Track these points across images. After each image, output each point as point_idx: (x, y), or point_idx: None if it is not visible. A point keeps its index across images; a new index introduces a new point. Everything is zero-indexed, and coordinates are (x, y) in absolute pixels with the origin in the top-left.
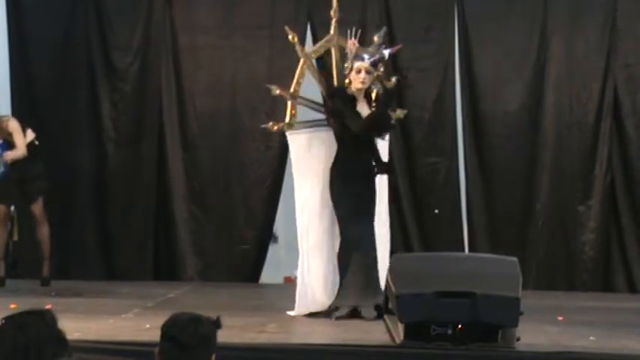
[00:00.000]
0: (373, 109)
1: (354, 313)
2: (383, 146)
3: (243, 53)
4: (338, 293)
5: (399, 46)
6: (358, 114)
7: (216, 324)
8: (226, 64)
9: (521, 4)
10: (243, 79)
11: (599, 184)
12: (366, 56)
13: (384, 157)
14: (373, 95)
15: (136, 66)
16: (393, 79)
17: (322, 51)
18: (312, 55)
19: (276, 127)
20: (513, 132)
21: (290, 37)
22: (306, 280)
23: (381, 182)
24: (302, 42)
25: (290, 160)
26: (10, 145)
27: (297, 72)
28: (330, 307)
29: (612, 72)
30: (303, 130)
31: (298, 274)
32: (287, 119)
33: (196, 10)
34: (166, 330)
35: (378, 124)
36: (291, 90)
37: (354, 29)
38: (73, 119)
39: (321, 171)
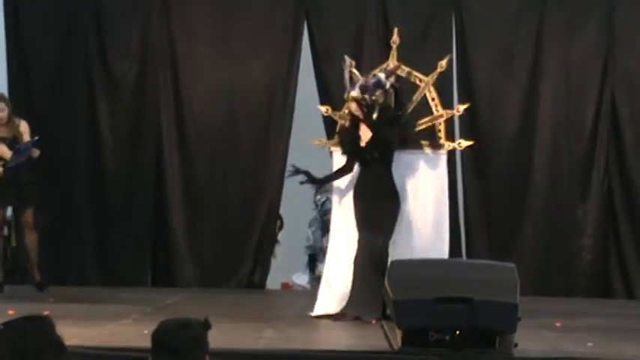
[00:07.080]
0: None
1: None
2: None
3: (240, 61)
4: (348, 299)
5: (396, 66)
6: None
7: (206, 325)
8: (224, 72)
9: (518, 11)
10: (240, 86)
11: (597, 189)
12: (357, 85)
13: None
14: (374, 116)
15: (133, 74)
16: (462, 108)
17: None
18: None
19: (325, 144)
20: (510, 138)
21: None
22: (331, 283)
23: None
24: (299, 49)
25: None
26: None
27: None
28: (340, 311)
29: (609, 78)
30: None
31: (323, 277)
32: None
33: (194, 18)
34: (157, 338)
35: (377, 146)
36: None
37: (347, 58)
38: (71, 127)
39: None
